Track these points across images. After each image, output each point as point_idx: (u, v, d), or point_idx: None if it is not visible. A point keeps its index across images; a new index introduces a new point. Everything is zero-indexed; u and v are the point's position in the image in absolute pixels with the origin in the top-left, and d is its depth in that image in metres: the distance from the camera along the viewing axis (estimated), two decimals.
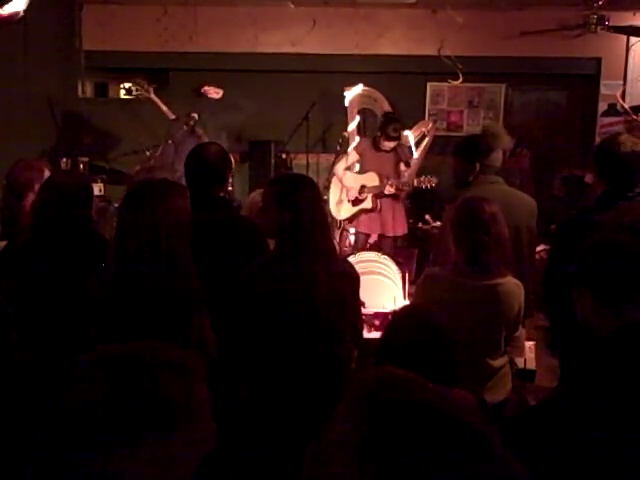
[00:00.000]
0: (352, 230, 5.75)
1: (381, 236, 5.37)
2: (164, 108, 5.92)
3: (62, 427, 1.03)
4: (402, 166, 5.22)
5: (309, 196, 2.31)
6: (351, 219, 5.45)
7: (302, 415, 2.19)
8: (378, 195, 5.22)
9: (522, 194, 3.32)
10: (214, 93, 6.06)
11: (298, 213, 2.25)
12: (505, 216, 3.05)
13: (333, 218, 5.52)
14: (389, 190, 5.14)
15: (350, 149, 5.50)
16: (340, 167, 5.36)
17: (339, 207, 5.44)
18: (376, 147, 5.20)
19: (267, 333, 2.30)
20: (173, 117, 5.82)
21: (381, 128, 5.12)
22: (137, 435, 1.01)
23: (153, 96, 5.97)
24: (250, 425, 2.33)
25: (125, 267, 2.15)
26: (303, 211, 2.26)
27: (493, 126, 3.46)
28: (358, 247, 5.23)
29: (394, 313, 2.06)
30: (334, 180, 5.52)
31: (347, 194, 5.34)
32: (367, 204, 5.30)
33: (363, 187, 5.24)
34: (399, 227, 5.38)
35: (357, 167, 5.47)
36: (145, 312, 2.09)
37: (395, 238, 5.43)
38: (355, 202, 5.31)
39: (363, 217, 5.34)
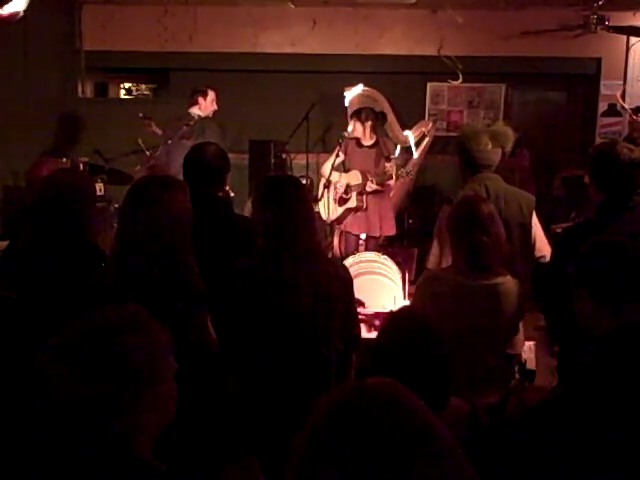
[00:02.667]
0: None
1: (367, 236, 5.32)
2: (159, 132, 5.87)
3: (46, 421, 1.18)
4: (383, 162, 5.16)
5: (291, 197, 2.28)
6: (340, 220, 5.33)
7: (287, 416, 2.18)
8: (362, 193, 5.17)
9: (517, 190, 3.32)
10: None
11: (279, 214, 2.23)
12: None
13: (324, 221, 5.42)
14: (370, 187, 5.08)
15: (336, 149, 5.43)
16: (327, 167, 5.25)
17: (327, 208, 5.36)
18: (359, 144, 5.16)
19: (249, 335, 2.26)
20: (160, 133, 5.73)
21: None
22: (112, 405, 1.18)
23: (155, 128, 5.91)
24: (238, 423, 2.31)
25: (127, 263, 2.15)
26: (285, 212, 2.24)
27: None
28: (350, 250, 5.13)
29: (389, 315, 2.04)
30: (322, 181, 5.44)
31: (334, 194, 5.26)
32: (352, 203, 5.22)
33: (348, 186, 5.18)
34: (386, 227, 5.30)
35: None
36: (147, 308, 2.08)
37: (386, 238, 5.38)
38: (340, 202, 5.22)
39: (350, 218, 5.25)
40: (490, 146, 3.24)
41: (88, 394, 1.16)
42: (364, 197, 5.18)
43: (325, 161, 5.38)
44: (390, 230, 5.36)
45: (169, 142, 5.31)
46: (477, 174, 3.24)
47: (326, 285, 2.24)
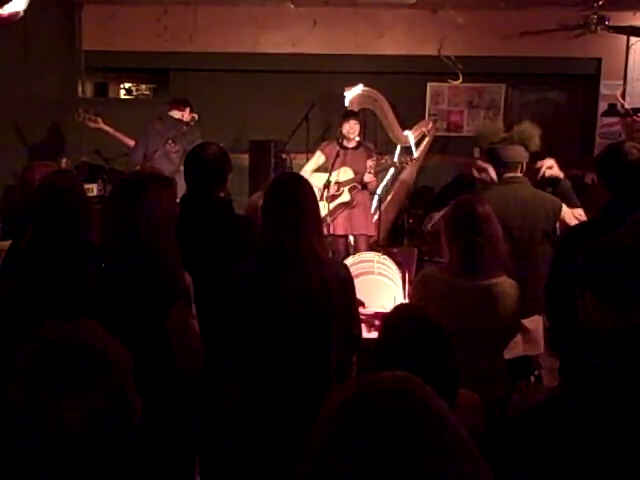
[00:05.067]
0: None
1: (355, 236, 5.37)
2: (118, 135, 5.78)
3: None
4: (368, 162, 5.20)
5: (298, 196, 2.26)
6: (331, 216, 5.27)
7: (290, 421, 2.17)
8: (354, 188, 5.23)
9: (545, 194, 3.34)
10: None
11: (289, 215, 2.22)
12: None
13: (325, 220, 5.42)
14: (369, 178, 5.15)
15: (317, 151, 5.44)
16: (306, 170, 5.27)
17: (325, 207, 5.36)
18: (342, 146, 5.20)
19: (249, 338, 2.24)
20: (132, 143, 5.62)
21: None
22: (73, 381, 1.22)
23: (102, 125, 5.83)
24: (239, 429, 2.30)
25: (105, 262, 2.14)
26: (294, 213, 2.22)
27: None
28: (339, 254, 5.14)
29: (388, 313, 2.03)
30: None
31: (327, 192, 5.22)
32: (344, 197, 5.26)
33: (337, 183, 5.19)
34: (370, 226, 5.43)
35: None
36: (122, 308, 2.06)
37: (385, 238, 5.43)
38: (332, 199, 5.22)
39: (338, 219, 5.27)
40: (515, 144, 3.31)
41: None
42: (354, 192, 5.25)
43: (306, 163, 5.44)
44: (372, 230, 5.45)
45: (169, 142, 5.30)
46: (506, 173, 3.28)
47: (328, 288, 2.22)
